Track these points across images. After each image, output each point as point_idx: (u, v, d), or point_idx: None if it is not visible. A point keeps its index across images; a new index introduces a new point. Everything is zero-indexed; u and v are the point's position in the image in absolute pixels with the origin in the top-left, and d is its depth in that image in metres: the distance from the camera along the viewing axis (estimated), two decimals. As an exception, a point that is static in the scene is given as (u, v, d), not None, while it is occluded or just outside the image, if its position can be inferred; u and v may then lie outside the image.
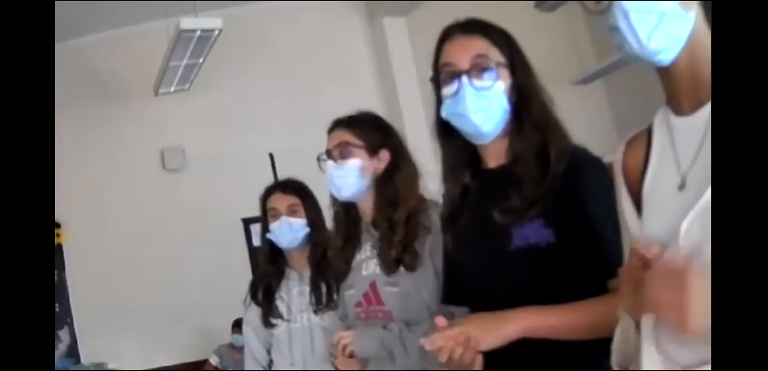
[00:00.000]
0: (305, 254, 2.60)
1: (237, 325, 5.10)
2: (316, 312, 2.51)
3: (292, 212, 2.54)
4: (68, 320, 5.09)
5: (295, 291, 2.58)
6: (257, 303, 2.62)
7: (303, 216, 2.54)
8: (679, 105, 1.11)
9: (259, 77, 5.87)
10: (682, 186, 1.07)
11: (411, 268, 1.88)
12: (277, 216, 2.53)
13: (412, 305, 1.90)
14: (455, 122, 1.49)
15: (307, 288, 2.56)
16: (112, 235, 5.23)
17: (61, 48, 4.34)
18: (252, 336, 2.67)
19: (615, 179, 1.25)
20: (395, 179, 1.98)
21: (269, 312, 2.58)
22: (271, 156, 5.54)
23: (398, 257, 1.89)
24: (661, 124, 1.16)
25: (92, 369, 4.92)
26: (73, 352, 5.09)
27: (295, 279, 2.60)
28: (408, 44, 6.25)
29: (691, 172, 1.06)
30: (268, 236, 2.56)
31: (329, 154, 2.03)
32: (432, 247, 1.86)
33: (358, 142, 2.00)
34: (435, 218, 1.87)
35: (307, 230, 2.55)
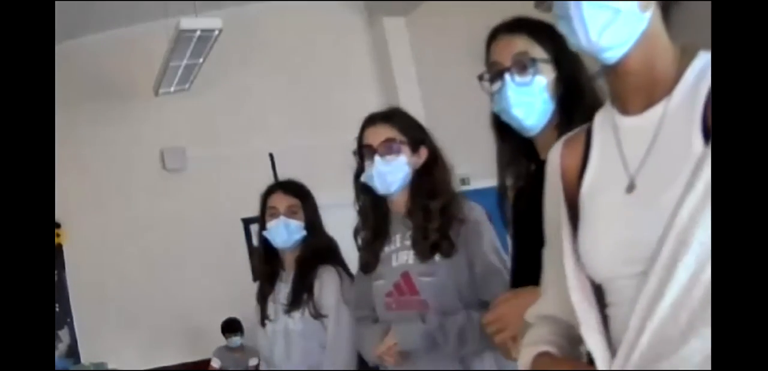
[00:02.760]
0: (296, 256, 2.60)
1: (226, 328, 5.12)
2: (287, 312, 2.50)
3: (291, 213, 2.54)
4: (68, 320, 5.09)
5: (281, 294, 2.58)
6: (258, 301, 2.66)
7: (302, 218, 2.54)
8: (626, 104, 1.07)
9: (259, 77, 5.87)
10: (631, 188, 1.02)
11: (447, 254, 1.94)
12: (275, 215, 2.53)
13: (447, 295, 1.96)
14: (502, 116, 1.58)
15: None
16: (112, 235, 5.24)
17: (61, 48, 4.34)
18: (262, 335, 2.69)
19: (546, 180, 1.20)
20: (434, 172, 2.04)
21: (263, 312, 2.61)
22: (271, 156, 5.54)
23: (435, 243, 1.94)
24: (604, 123, 1.11)
25: (92, 369, 4.92)
26: (73, 352, 5.09)
27: (287, 280, 2.60)
28: (408, 44, 6.25)
29: (640, 173, 1.02)
30: (264, 234, 2.57)
31: (372, 150, 2.04)
32: (465, 237, 1.92)
33: (403, 138, 2.04)
34: (467, 211, 1.93)
35: (304, 232, 2.55)
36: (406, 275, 2.02)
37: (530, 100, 1.54)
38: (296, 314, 2.50)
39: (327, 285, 2.50)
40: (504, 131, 1.63)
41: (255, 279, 2.69)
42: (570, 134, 1.20)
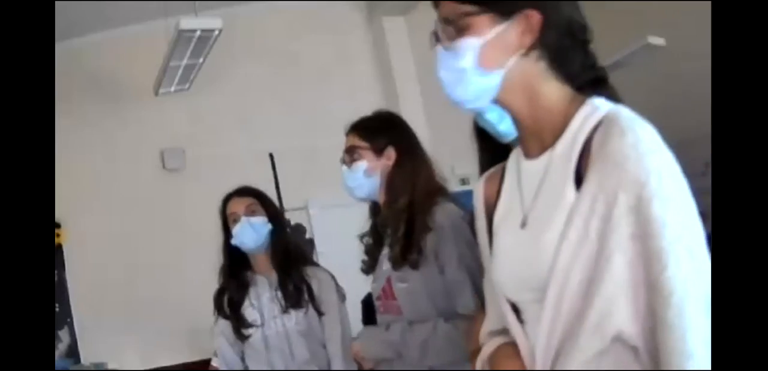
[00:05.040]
0: (270, 257, 2.61)
1: None
2: (286, 311, 2.51)
3: (251, 212, 2.57)
4: (68, 320, 5.08)
5: (265, 297, 2.57)
6: (225, 316, 2.61)
7: (263, 214, 2.58)
8: (526, 148, 1.18)
9: (260, 77, 5.87)
10: (523, 224, 1.13)
11: (414, 266, 1.92)
12: (237, 219, 2.56)
13: (420, 302, 1.95)
14: (479, 122, 1.66)
15: (279, 293, 2.56)
16: (112, 235, 5.23)
17: (61, 48, 4.34)
18: (225, 347, 2.64)
19: (475, 212, 1.33)
20: (398, 173, 2.03)
21: (239, 323, 2.57)
22: (271, 156, 5.53)
23: (402, 253, 1.93)
24: (513, 164, 1.23)
25: (92, 369, 4.92)
26: (73, 352, 5.08)
27: (264, 284, 2.59)
28: (408, 44, 6.24)
29: (530, 213, 1.13)
30: (232, 241, 2.58)
31: (344, 158, 2.13)
32: (437, 246, 1.89)
33: (363, 144, 2.09)
34: (440, 217, 1.90)
35: (270, 226, 2.57)
36: (388, 280, 2.04)
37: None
38: (297, 313, 2.50)
39: (325, 282, 2.53)
40: (484, 138, 1.69)
41: (223, 292, 2.66)
42: (491, 170, 1.33)
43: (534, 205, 1.12)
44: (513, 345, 1.17)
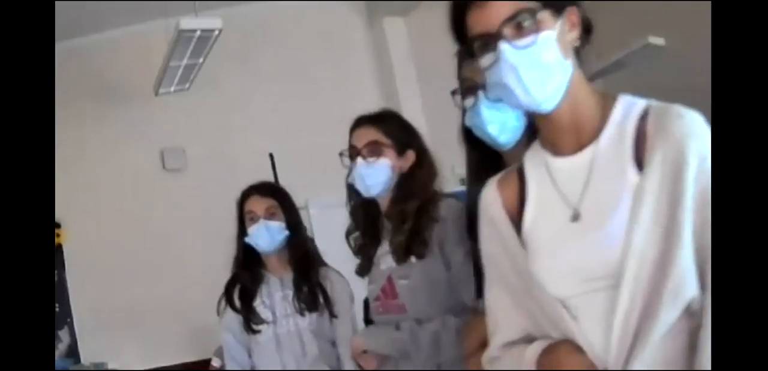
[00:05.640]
0: (284, 257, 2.60)
1: None
2: (301, 313, 2.51)
3: (270, 215, 2.55)
4: (68, 320, 5.08)
5: (277, 296, 2.57)
6: (235, 309, 2.60)
7: (282, 219, 2.56)
8: (558, 147, 1.18)
9: (259, 77, 5.86)
10: (575, 217, 1.13)
11: (419, 256, 1.91)
12: (254, 219, 2.54)
13: (422, 298, 1.92)
14: (475, 131, 1.64)
15: (290, 292, 2.55)
16: (112, 235, 5.23)
17: (61, 48, 4.34)
18: (232, 342, 2.63)
19: (481, 221, 1.29)
20: (417, 176, 2.01)
21: (250, 317, 2.56)
22: (271, 156, 5.53)
23: (407, 244, 1.91)
24: (536, 163, 1.22)
25: (92, 369, 4.92)
26: (73, 352, 5.08)
27: (276, 283, 2.59)
28: (408, 44, 6.25)
29: (583, 204, 1.13)
30: (246, 240, 2.57)
31: (357, 152, 2.03)
32: (441, 237, 1.89)
33: (387, 141, 2.02)
34: (445, 210, 1.90)
35: (286, 232, 2.56)
36: (389, 279, 2.00)
37: (504, 117, 1.58)
38: (311, 314, 2.50)
39: (338, 284, 2.53)
40: (473, 141, 1.67)
41: (235, 282, 2.66)
42: (500, 174, 1.31)
43: (585, 197, 1.12)
44: (570, 342, 1.11)
